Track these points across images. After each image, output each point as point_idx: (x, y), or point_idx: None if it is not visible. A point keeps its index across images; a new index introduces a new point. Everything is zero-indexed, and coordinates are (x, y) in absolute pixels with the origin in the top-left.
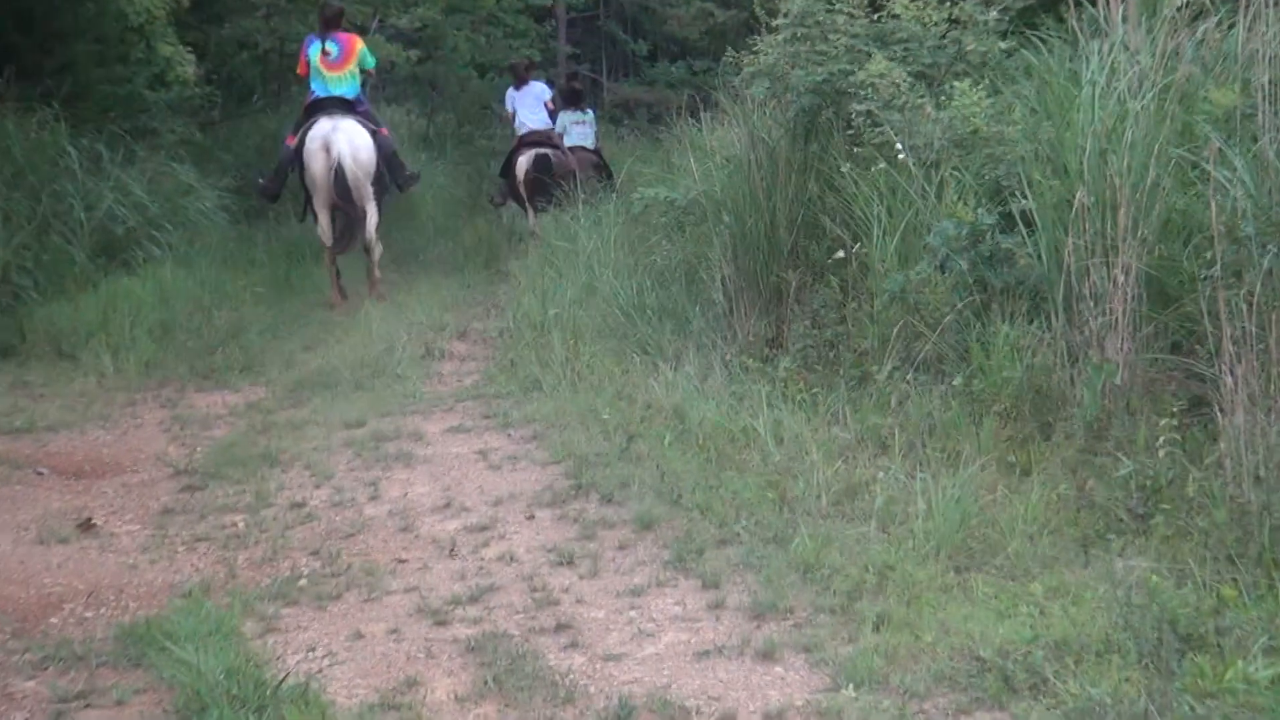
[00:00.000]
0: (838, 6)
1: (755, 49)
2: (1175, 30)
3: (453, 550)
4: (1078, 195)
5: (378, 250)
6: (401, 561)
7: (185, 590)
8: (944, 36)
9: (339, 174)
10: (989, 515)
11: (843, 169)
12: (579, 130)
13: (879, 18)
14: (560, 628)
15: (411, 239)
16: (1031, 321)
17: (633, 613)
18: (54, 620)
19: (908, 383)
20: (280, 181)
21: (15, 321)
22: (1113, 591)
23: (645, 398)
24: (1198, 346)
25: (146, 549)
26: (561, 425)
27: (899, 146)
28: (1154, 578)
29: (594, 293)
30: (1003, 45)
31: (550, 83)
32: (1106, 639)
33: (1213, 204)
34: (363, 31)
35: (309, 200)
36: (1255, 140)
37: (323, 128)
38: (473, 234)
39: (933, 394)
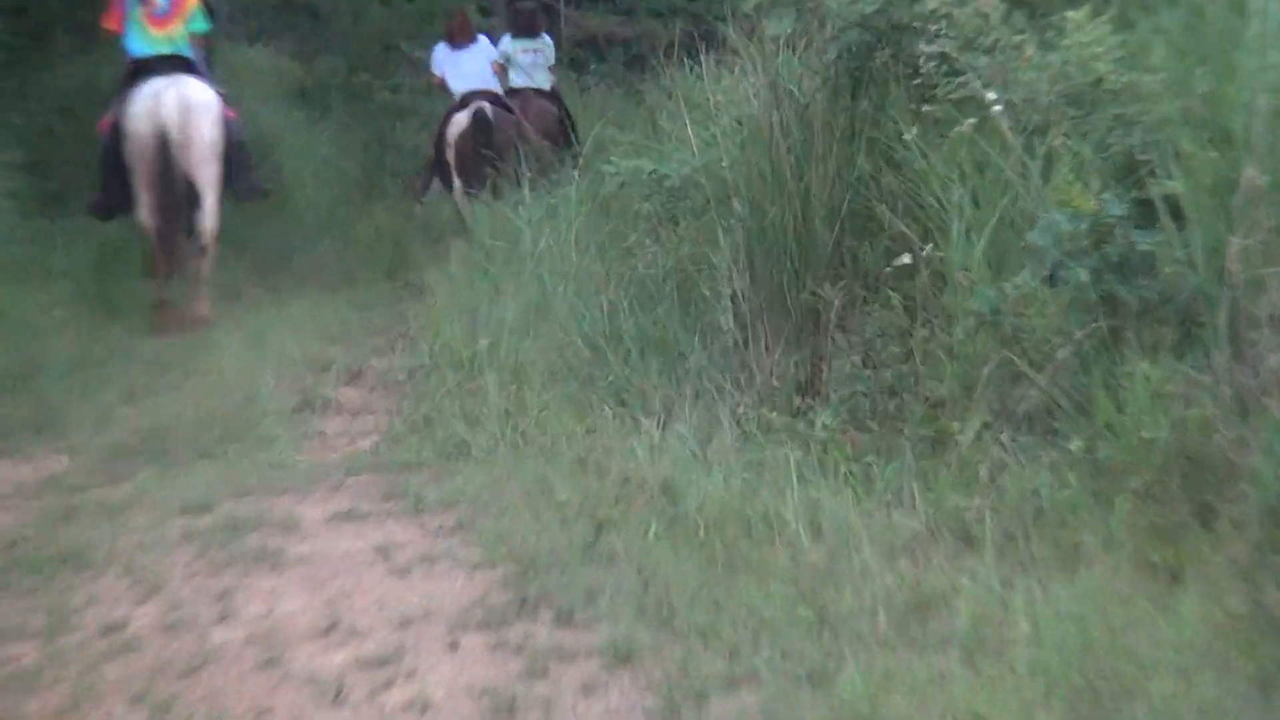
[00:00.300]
0: None
1: None
2: None
3: (339, 694)
4: (1245, 174)
5: (211, 253)
6: (265, 712)
7: None
8: None
9: (165, 142)
10: (1123, 642)
11: (906, 136)
12: (529, 61)
13: None
14: None
15: (282, 235)
16: (1183, 357)
17: None
18: None
19: (1003, 446)
20: (109, 186)
21: None
22: None
23: (621, 468)
24: None
25: None
26: (499, 509)
27: (991, 97)
28: None
29: (546, 314)
30: None
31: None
32: None
33: None
34: None
35: (123, 182)
36: None
37: (154, 85)
38: (369, 228)
39: (1040, 463)
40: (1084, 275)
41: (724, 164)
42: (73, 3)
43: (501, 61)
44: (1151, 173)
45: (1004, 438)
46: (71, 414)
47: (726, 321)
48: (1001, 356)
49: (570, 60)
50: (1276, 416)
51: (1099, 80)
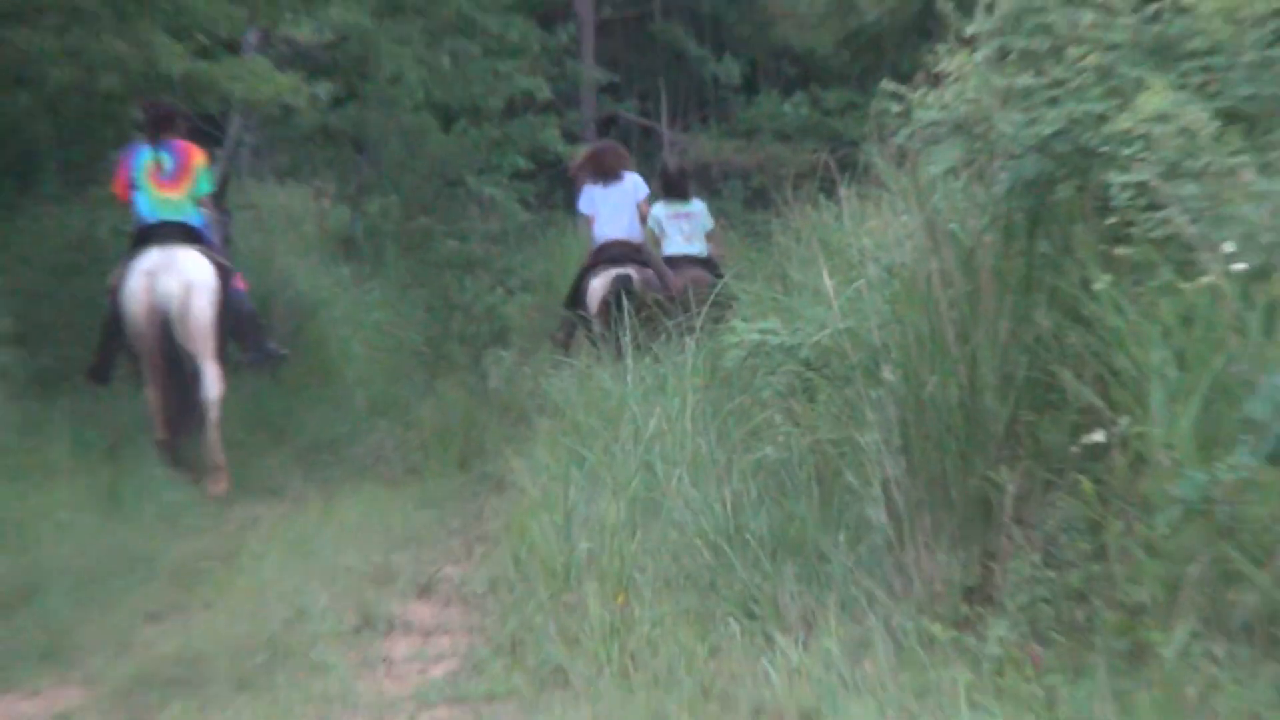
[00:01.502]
0: None
1: (937, 72)
2: None
3: None
4: None
5: (216, 422)
6: None
7: None
8: (1274, 43)
9: (157, 317)
10: None
11: (1096, 285)
12: (679, 229)
13: (1156, 12)
14: None
15: (329, 420)
16: None
17: None
18: None
19: (1216, 661)
20: (109, 351)
21: None
22: None
23: (752, 697)
24: None
25: None
26: None
27: (1227, 245)
28: None
29: (656, 511)
30: None
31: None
32: None
33: None
34: (233, 51)
35: (120, 345)
36: None
37: (150, 259)
38: (435, 408)
39: (1260, 680)
40: None
41: (872, 325)
42: (62, 136)
43: (645, 205)
44: None
45: (1217, 650)
46: (84, 637)
47: (877, 515)
48: (1214, 552)
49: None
50: None
51: None
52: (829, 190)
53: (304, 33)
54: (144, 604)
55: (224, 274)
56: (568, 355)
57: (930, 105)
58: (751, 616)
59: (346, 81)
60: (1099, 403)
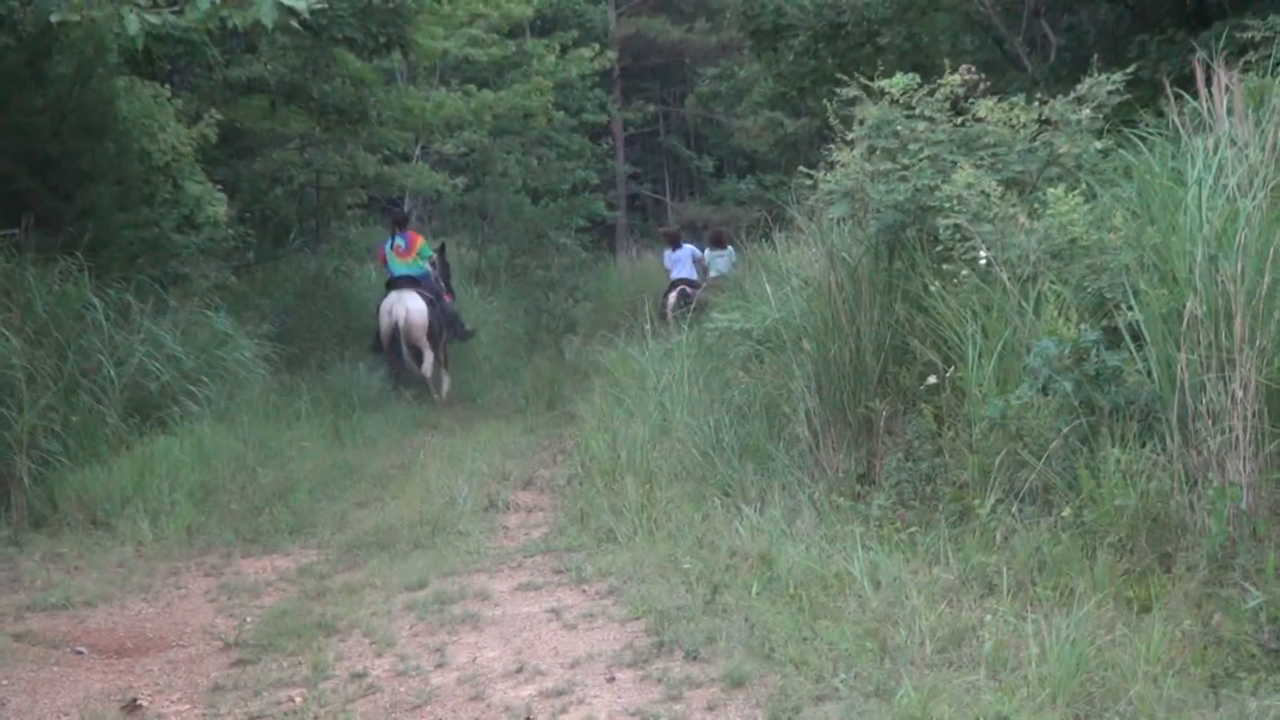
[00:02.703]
0: (917, 112)
1: (831, 160)
2: None
3: (529, 718)
4: (1188, 305)
5: (445, 383)
6: None
7: None
8: (1034, 139)
9: (395, 331)
10: (1108, 657)
11: (931, 287)
12: (720, 262)
13: (963, 122)
14: None
15: (467, 382)
16: (1144, 444)
17: None
18: None
19: (1013, 516)
20: (376, 343)
21: (45, 490)
22: None
23: (729, 544)
24: None
25: None
26: (639, 578)
27: (981, 254)
28: None
29: (667, 432)
30: (1098, 145)
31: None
32: None
33: None
34: (406, 159)
35: (380, 345)
36: None
37: (390, 299)
38: (533, 374)
39: (1041, 527)
40: (1068, 386)
41: (796, 315)
42: (302, 212)
43: (704, 261)
44: (1116, 306)
45: (1013, 509)
46: (318, 519)
47: (802, 431)
48: (1009, 449)
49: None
50: (1216, 485)
51: (1074, 239)
52: (768, 235)
53: (447, 148)
54: (355, 497)
55: (434, 299)
56: (665, 325)
57: (828, 181)
58: (727, 495)
59: (474, 175)
60: (935, 359)
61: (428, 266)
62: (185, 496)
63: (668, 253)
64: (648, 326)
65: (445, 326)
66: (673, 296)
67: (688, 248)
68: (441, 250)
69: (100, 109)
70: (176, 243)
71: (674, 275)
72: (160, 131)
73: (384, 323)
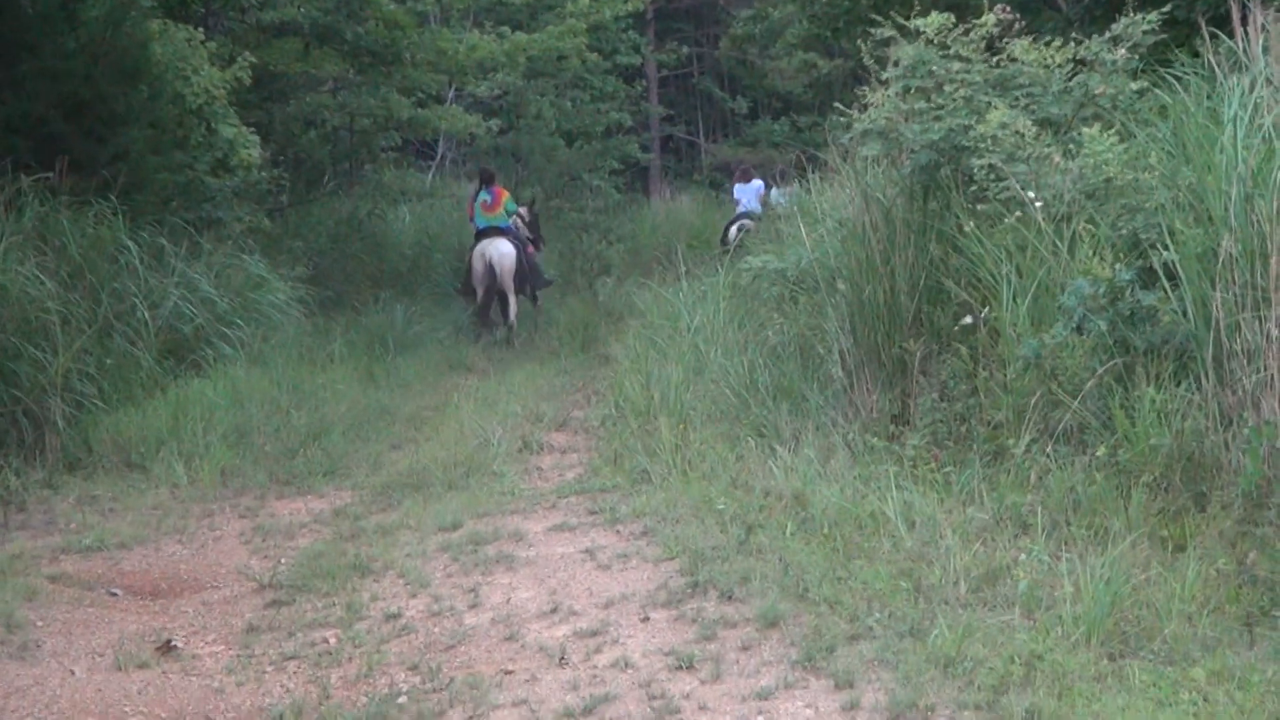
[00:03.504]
0: (952, 52)
1: (865, 102)
2: None
3: (563, 658)
4: (1223, 244)
5: (516, 320)
6: (508, 673)
7: (276, 714)
8: (1069, 79)
9: (490, 271)
10: (1142, 596)
11: (966, 228)
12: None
13: (998, 63)
14: None
15: (502, 326)
16: (1179, 384)
17: (760, 718)
18: None
19: (1048, 456)
20: (467, 286)
21: (80, 432)
22: None
23: (763, 484)
24: None
25: (232, 671)
26: (673, 518)
27: (1031, 195)
28: None
29: (702, 373)
30: (1134, 86)
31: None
32: None
33: None
34: (439, 101)
35: (472, 289)
36: None
37: (483, 245)
38: (567, 316)
39: (1075, 467)
40: (1103, 326)
41: (830, 256)
42: (336, 156)
43: (764, 196)
44: (1152, 246)
45: (1048, 449)
46: (352, 461)
47: (837, 371)
48: (1044, 389)
49: (709, 182)
50: (1251, 425)
51: (1109, 179)
52: (803, 176)
53: (481, 90)
54: (389, 439)
55: (522, 247)
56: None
57: (862, 121)
58: (761, 436)
59: (508, 118)
60: (970, 299)
61: (512, 220)
62: (219, 439)
63: (738, 186)
64: (683, 268)
65: (530, 273)
66: (733, 229)
67: (757, 183)
68: (532, 204)
69: (134, 52)
70: (210, 186)
71: (740, 205)
72: (194, 75)
73: (477, 266)
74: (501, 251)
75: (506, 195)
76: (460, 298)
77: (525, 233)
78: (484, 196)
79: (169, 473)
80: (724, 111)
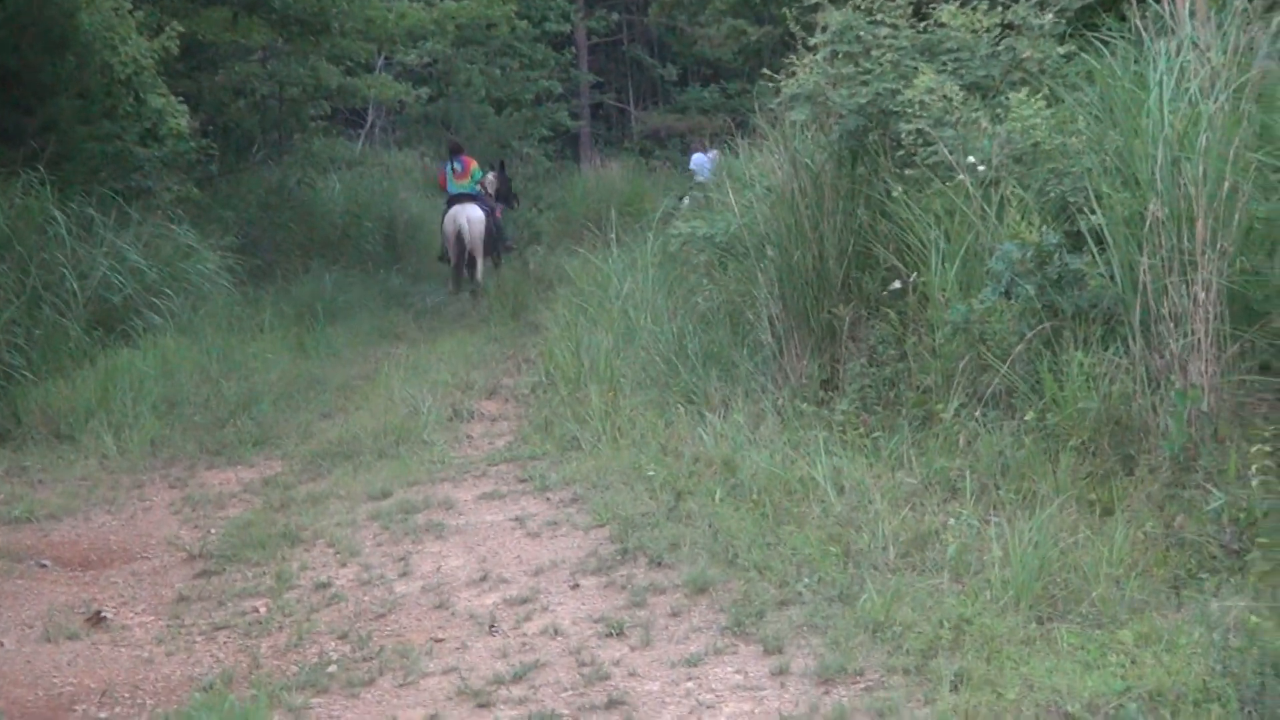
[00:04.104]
0: (880, 18)
1: (793, 69)
2: (1248, 23)
3: (493, 626)
4: (1150, 208)
5: (482, 280)
6: (438, 641)
7: (206, 683)
8: (997, 44)
9: (459, 236)
10: (1070, 559)
11: (894, 193)
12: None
13: (925, 27)
14: (613, 704)
15: (434, 292)
16: (1107, 347)
17: (690, 684)
18: None
19: (976, 420)
20: (445, 251)
21: (8, 403)
22: (1209, 635)
23: (693, 451)
24: None
25: (162, 641)
26: (603, 485)
27: (971, 160)
28: (1253, 618)
29: (631, 340)
30: (1061, 50)
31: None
32: (1204, 687)
33: None
34: (369, 69)
35: (446, 250)
36: None
37: (455, 210)
38: (498, 284)
39: (1004, 431)
40: (1031, 290)
41: (759, 221)
42: (265, 125)
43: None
44: (1079, 210)
45: (976, 414)
46: (282, 430)
47: (766, 337)
48: (972, 353)
49: (640, 149)
50: (1178, 388)
51: (1036, 143)
52: (732, 142)
53: (411, 58)
54: (319, 408)
55: (491, 213)
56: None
57: (790, 86)
58: (691, 402)
59: (437, 86)
60: (898, 264)
61: (478, 187)
62: (149, 409)
63: (695, 156)
64: (612, 235)
65: (497, 236)
66: (686, 200)
67: (713, 152)
68: (501, 167)
69: (61, 22)
70: (139, 156)
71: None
72: (122, 44)
73: (449, 229)
74: (471, 216)
75: (474, 164)
76: (441, 263)
77: (494, 197)
78: (455, 166)
79: (98, 443)
80: (654, 78)
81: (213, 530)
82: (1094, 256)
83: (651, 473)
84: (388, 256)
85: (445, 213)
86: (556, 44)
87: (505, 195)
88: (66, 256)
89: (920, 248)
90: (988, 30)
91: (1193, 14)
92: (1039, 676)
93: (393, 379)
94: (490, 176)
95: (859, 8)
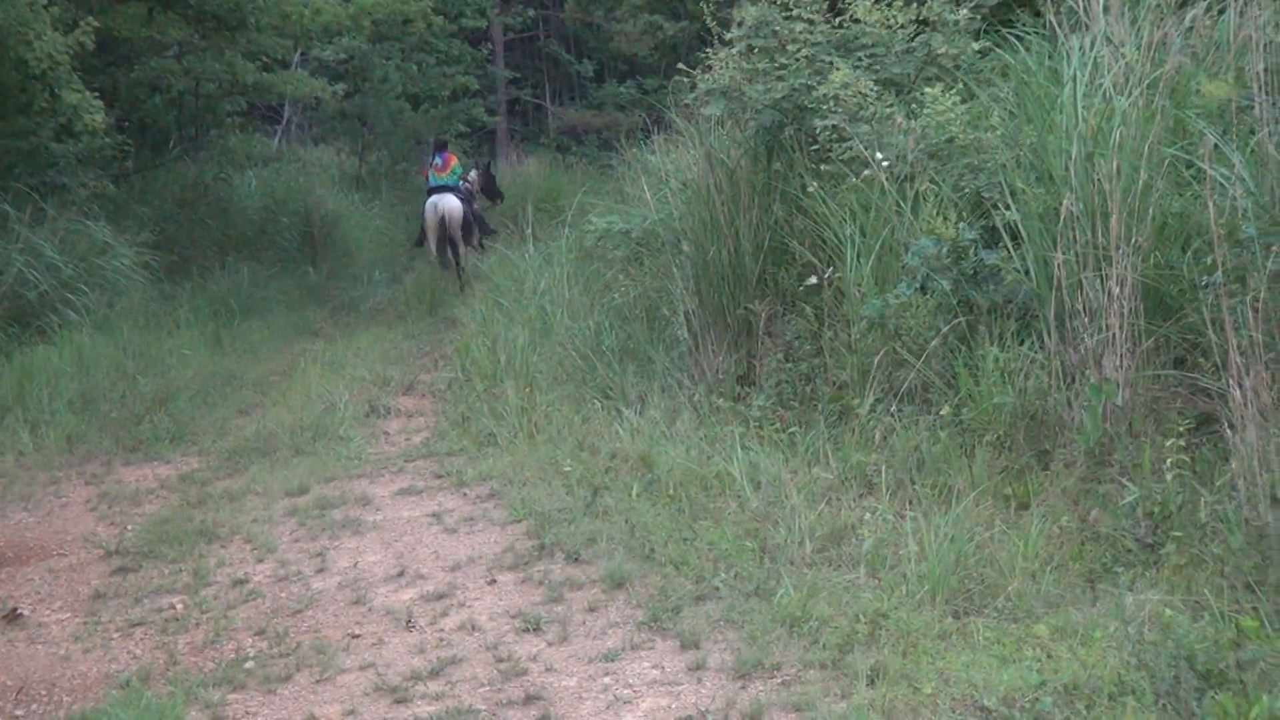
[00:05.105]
0: (795, 14)
1: (709, 64)
2: (1161, 19)
3: (409, 622)
4: (1065, 203)
5: (466, 263)
6: (355, 637)
7: (123, 680)
8: (912, 40)
9: (441, 223)
10: (986, 554)
11: (810, 188)
12: None
13: (840, 23)
14: (530, 699)
15: (350, 288)
16: (1022, 342)
17: (607, 679)
18: None
19: (892, 415)
20: (421, 237)
21: None
22: (1124, 628)
23: (609, 446)
24: (1202, 359)
25: (79, 638)
26: (520, 481)
27: (880, 156)
28: (1167, 611)
29: (548, 335)
30: (975, 46)
31: None
32: (1119, 680)
33: (1211, 205)
34: (285, 65)
35: (424, 238)
36: (1253, 134)
37: (434, 199)
38: (414, 279)
39: (920, 426)
40: (947, 285)
41: (675, 217)
42: (181, 121)
43: None
44: (994, 206)
45: (892, 409)
46: (199, 427)
47: (682, 333)
48: (888, 348)
49: (556, 145)
50: (1092, 382)
51: (952, 138)
52: (648, 138)
53: (327, 54)
54: (236, 404)
55: (468, 203)
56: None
57: (705, 80)
58: (608, 398)
59: (353, 82)
60: (814, 259)
61: (459, 181)
62: (65, 405)
63: None
64: (528, 230)
65: (475, 224)
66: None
67: None
68: (487, 167)
69: None
70: (54, 151)
71: None
72: (36, 39)
73: (430, 218)
74: (450, 206)
75: (455, 160)
76: (416, 248)
77: (475, 192)
78: (436, 160)
79: (14, 440)
80: (570, 74)
81: (129, 527)
82: (1009, 251)
83: (568, 468)
84: (304, 253)
85: (425, 201)
86: (473, 40)
87: (490, 191)
88: None
89: (836, 243)
90: (903, 26)
91: (1106, 9)
92: (955, 671)
93: (310, 375)
94: (473, 175)
95: (775, 3)
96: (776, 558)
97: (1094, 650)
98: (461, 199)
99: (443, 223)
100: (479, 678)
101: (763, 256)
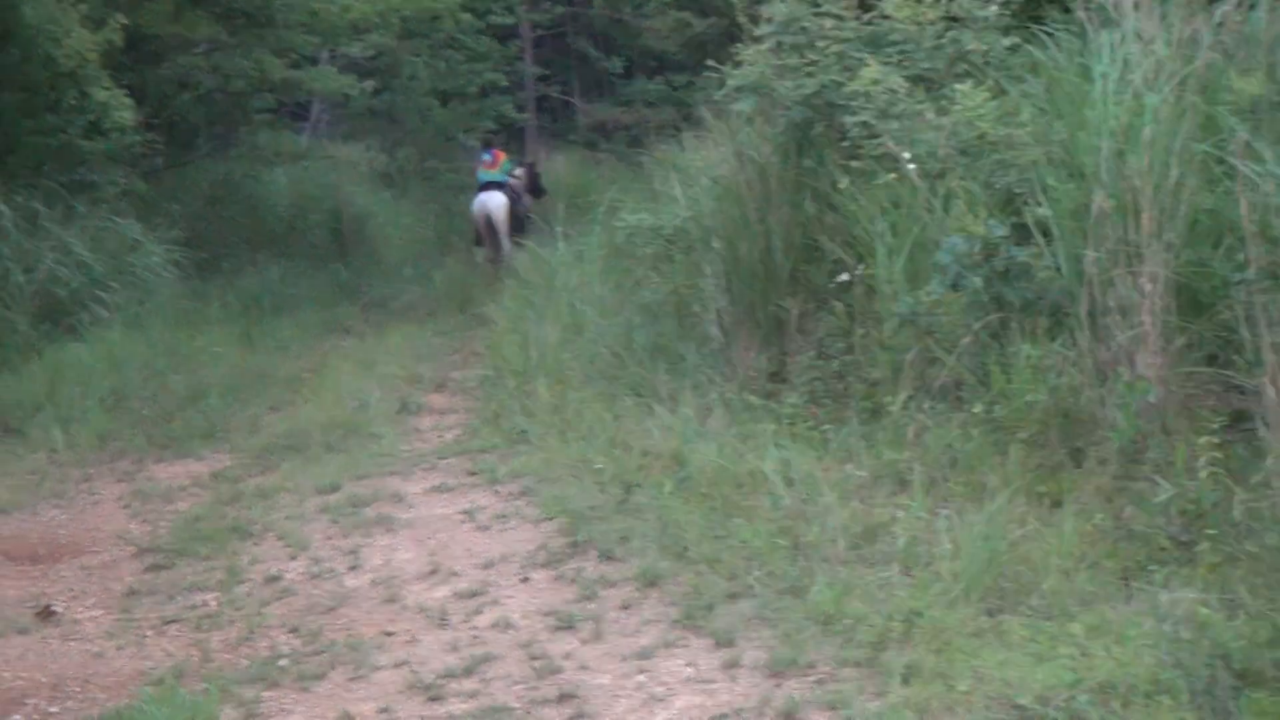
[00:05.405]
0: (825, 8)
1: (739, 60)
2: (1191, 15)
3: (443, 620)
4: (1096, 200)
5: (506, 258)
6: (388, 634)
7: (157, 678)
8: (942, 36)
9: (488, 220)
10: (1020, 552)
11: (840, 185)
12: None
13: (870, 19)
14: (564, 698)
15: (381, 286)
16: (1054, 340)
17: (641, 677)
18: (16, 718)
19: (924, 413)
20: (476, 235)
21: None
22: (1159, 627)
23: (641, 444)
24: (1236, 357)
25: (112, 635)
26: (552, 479)
27: (906, 156)
28: (1203, 610)
29: (579, 333)
30: (1006, 42)
31: None
32: (1155, 679)
33: (1243, 201)
34: (313, 62)
35: (480, 238)
36: None
37: (482, 196)
38: (444, 276)
39: (952, 423)
40: (978, 282)
41: (705, 214)
42: (210, 118)
43: None
44: (1025, 202)
45: (925, 406)
46: (231, 424)
47: (713, 330)
48: (920, 346)
49: (585, 141)
50: (1125, 380)
51: (982, 135)
52: (678, 135)
53: (355, 51)
54: (267, 401)
55: (514, 199)
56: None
57: (735, 77)
58: (639, 395)
59: (382, 79)
60: (845, 256)
61: (507, 177)
62: (97, 403)
63: None
64: (558, 227)
65: (520, 221)
66: None
67: None
68: (532, 165)
69: (4, 14)
70: (84, 149)
71: None
72: (65, 37)
73: (477, 213)
74: (496, 202)
75: (504, 156)
76: (476, 247)
77: (523, 188)
78: (485, 157)
79: (46, 437)
80: (599, 71)
81: (162, 524)
82: (1041, 248)
83: (600, 466)
84: (334, 250)
85: (474, 197)
86: (501, 36)
87: (535, 188)
88: (12, 250)
89: (867, 240)
90: (933, 22)
91: (1136, 5)
92: (990, 669)
93: (341, 372)
94: (519, 172)
95: None
96: (810, 555)
97: (1129, 649)
98: (509, 195)
99: (490, 220)
100: (513, 676)
101: (794, 253)
